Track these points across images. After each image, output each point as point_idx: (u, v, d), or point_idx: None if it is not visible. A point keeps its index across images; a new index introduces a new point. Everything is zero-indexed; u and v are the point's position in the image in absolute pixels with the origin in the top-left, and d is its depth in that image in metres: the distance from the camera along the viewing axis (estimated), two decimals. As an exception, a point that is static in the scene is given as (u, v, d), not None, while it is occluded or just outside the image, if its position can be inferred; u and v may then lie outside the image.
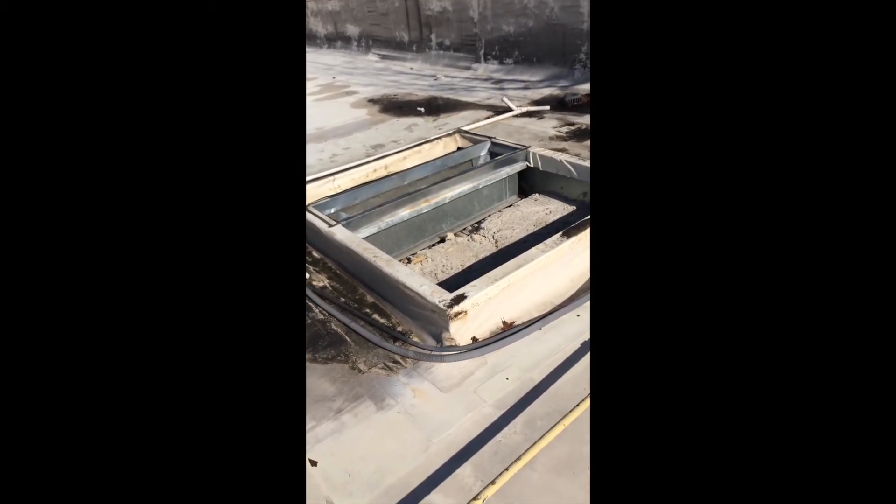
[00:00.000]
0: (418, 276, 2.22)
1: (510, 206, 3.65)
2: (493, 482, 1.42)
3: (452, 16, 7.79)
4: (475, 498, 1.37)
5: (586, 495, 1.46)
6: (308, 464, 1.65)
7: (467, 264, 2.98)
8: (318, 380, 2.01)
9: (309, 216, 2.88)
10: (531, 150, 3.61)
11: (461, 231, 3.42)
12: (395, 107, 6.39)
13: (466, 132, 4.16)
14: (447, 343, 2.06)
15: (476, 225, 3.45)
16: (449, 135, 4.16)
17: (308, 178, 3.43)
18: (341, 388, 1.96)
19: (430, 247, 3.28)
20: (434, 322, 2.10)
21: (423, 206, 3.11)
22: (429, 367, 2.01)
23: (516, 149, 3.64)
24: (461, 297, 2.03)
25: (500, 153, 3.77)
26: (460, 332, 2.06)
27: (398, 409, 1.83)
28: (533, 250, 2.30)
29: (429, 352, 2.07)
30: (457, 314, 2.00)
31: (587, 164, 3.30)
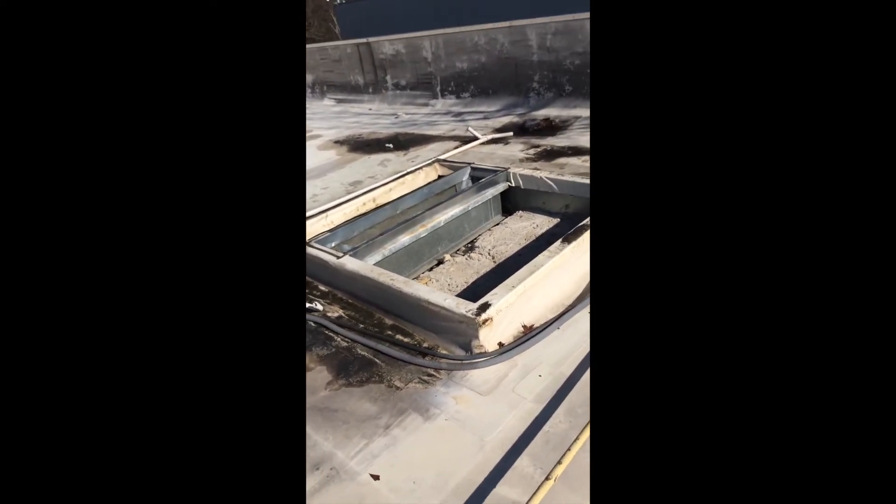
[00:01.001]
0: (440, 292, 2.34)
1: (497, 224, 3.84)
2: (559, 462, 1.52)
3: (406, 57, 8.17)
4: (548, 477, 1.47)
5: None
6: (371, 479, 1.70)
7: (471, 281, 3.12)
8: (359, 402, 2.06)
9: (313, 251, 2.95)
10: (511, 170, 3.85)
11: (457, 252, 3.57)
12: (362, 145, 6.57)
13: (445, 160, 4.38)
14: (477, 350, 2.17)
15: (470, 245, 3.61)
16: (429, 164, 4.35)
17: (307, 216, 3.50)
18: (383, 405, 2.02)
19: (430, 269, 3.40)
20: (462, 332, 2.21)
21: (421, 231, 3.25)
22: (463, 375, 2.11)
23: (497, 171, 3.87)
24: (486, 306, 2.16)
25: (481, 177, 3.99)
26: (488, 339, 2.18)
27: (444, 417, 1.91)
28: (540, 257, 2.48)
29: (460, 361, 2.17)
30: (485, 321, 2.12)
31: (565, 178, 3.56)
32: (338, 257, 2.80)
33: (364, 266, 2.68)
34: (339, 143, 6.92)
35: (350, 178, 5.18)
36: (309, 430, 1.96)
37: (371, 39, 8.60)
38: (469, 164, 4.17)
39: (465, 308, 2.16)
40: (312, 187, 5.07)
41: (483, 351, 2.16)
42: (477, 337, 2.15)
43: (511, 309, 2.25)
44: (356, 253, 2.90)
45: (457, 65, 7.48)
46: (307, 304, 2.74)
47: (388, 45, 8.38)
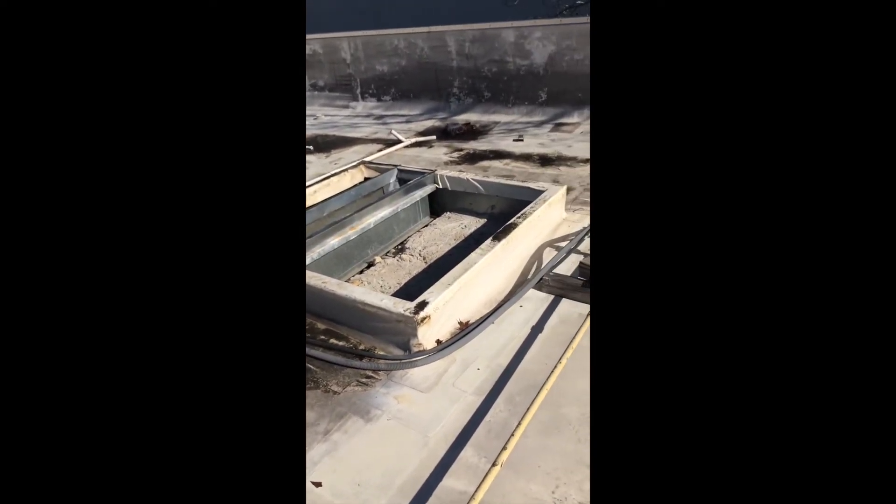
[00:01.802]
0: (376, 293, 2.31)
1: (426, 225, 3.87)
2: (504, 447, 1.57)
3: (323, 57, 7.98)
4: (494, 464, 1.51)
5: (573, 446, 1.68)
6: (312, 487, 1.63)
7: (403, 282, 3.12)
8: (294, 409, 1.97)
9: (235, 256, 2.78)
10: (438, 172, 3.90)
11: (387, 254, 3.54)
12: (280, 147, 6.30)
13: (371, 163, 4.33)
14: (416, 349, 2.17)
15: (400, 246, 3.61)
16: (354, 166, 4.29)
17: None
18: (321, 411, 1.96)
19: (360, 272, 3.35)
20: (400, 332, 2.20)
21: (350, 233, 3.19)
22: (403, 374, 2.10)
23: (424, 173, 3.90)
24: (423, 304, 2.17)
25: (408, 178, 4.00)
26: (426, 337, 2.19)
27: (387, 417, 1.89)
28: (473, 255, 2.54)
29: (399, 360, 2.15)
30: (423, 319, 2.13)
31: (491, 180, 3.68)
32: (263, 261, 2.66)
33: (293, 269, 2.57)
34: (254, 144, 6.57)
35: (269, 181, 4.96)
36: (241, 443, 1.84)
37: (286, 38, 8.29)
38: (396, 166, 4.17)
39: (403, 307, 2.16)
40: (227, 190, 4.78)
41: (422, 349, 2.17)
42: (416, 335, 2.15)
43: (448, 306, 2.28)
44: (283, 256, 2.77)
45: (377, 67, 7.44)
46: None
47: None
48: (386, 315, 2.20)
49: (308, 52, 8.11)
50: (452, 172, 3.90)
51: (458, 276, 2.36)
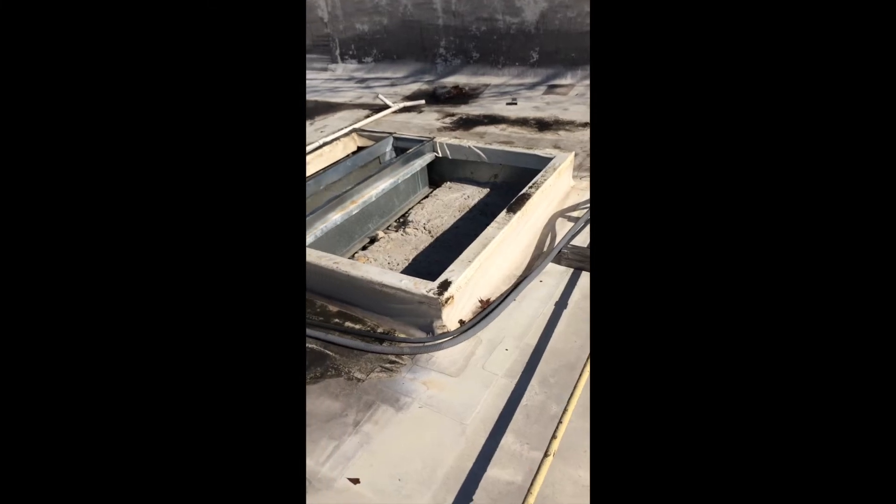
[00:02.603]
0: (393, 273, 2.18)
1: (427, 196, 3.72)
2: (554, 436, 1.51)
3: (299, 16, 7.48)
4: (546, 454, 1.45)
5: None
6: (350, 485, 1.55)
7: (411, 257, 2.99)
8: (318, 399, 1.87)
9: (232, 236, 2.59)
10: (437, 140, 3.72)
11: (389, 228, 3.40)
12: (259, 114, 5.95)
13: (363, 130, 4.11)
14: (439, 331, 2.08)
15: (402, 219, 3.46)
16: (346, 134, 4.06)
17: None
18: (347, 400, 1.86)
19: (363, 248, 3.20)
20: (422, 314, 2.09)
21: (352, 207, 3.02)
22: (429, 358, 2.01)
23: (423, 141, 3.71)
24: (447, 284, 2.06)
25: (404, 147, 3.81)
26: (450, 318, 2.09)
27: (418, 405, 1.81)
28: (490, 230, 2.42)
29: (422, 344, 2.06)
30: (447, 300, 2.03)
31: (493, 147, 3.53)
32: (265, 241, 2.49)
33: (299, 249, 2.41)
34: (230, 111, 6.19)
35: (253, 152, 4.68)
36: (264, 439, 1.74)
37: (256, -6, 7.72)
38: (391, 133, 3.96)
39: (426, 288, 2.05)
40: (208, 162, 4.49)
41: (445, 331, 2.08)
42: (440, 317, 2.05)
43: (469, 284, 2.18)
44: (285, 235, 2.61)
45: (357, 26, 7.02)
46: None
47: (276, 1, 7.58)
48: (406, 296, 2.08)
49: (281, 9, 7.59)
50: (452, 140, 3.73)
51: (478, 252, 2.25)
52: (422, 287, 2.06)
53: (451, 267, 2.17)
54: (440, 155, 3.72)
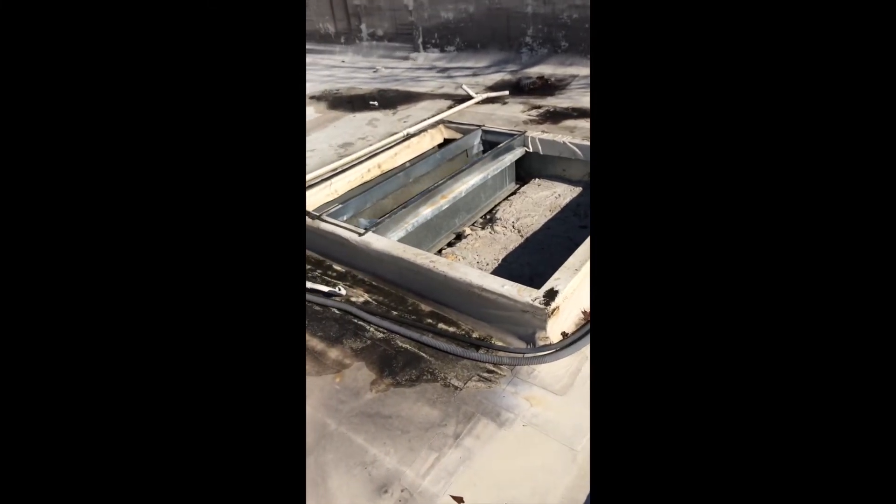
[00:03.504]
0: (494, 277, 2.07)
1: (513, 193, 3.58)
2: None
3: (384, 4, 7.50)
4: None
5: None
6: (454, 503, 1.47)
7: (500, 257, 2.88)
8: (415, 405, 1.81)
9: (326, 226, 2.59)
10: (528, 134, 3.55)
11: (475, 225, 3.29)
12: (343, 102, 6.03)
13: (451, 122, 4.01)
14: (541, 342, 1.95)
15: (488, 216, 3.34)
16: (433, 126, 3.98)
17: (308, 184, 3.10)
18: (445, 409, 1.78)
19: (449, 244, 3.12)
20: (524, 323, 1.97)
21: (442, 202, 2.94)
22: (529, 371, 1.88)
23: (513, 135, 3.56)
24: (553, 293, 1.92)
25: (494, 141, 3.68)
26: (554, 330, 1.95)
27: (521, 423, 1.69)
28: (596, 235, 2.25)
29: (521, 355, 1.94)
30: (553, 311, 1.89)
31: (590, 144, 3.31)
32: (360, 234, 2.47)
33: (395, 245, 2.36)
34: (315, 98, 6.33)
35: (338, 140, 4.72)
36: (361, 440, 1.70)
37: (343, -17, 7.81)
38: (479, 126, 3.83)
39: (531, 296, 1.92)
40: (296, 149, 4.59)
41: (548, 343, 1.94)
42: (544, 328, 1.92)
43: (574, 294, 2.03)
44: (378, 228, 2.57)
45: (441, 14, 6.92)
46: (327, 288, 2.41)
47: (362, -11, 7.64)
48: (509, 303, 1.97)
49: (367, -3, 7.65)
50: (543, 135, 3.54)
51: (585, 260, 2.09)
52: (526, 295, 1.93)
53: (557, 275, 2.03)
54: (531, 150, 3.55)
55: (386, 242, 2.41)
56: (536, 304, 1.89)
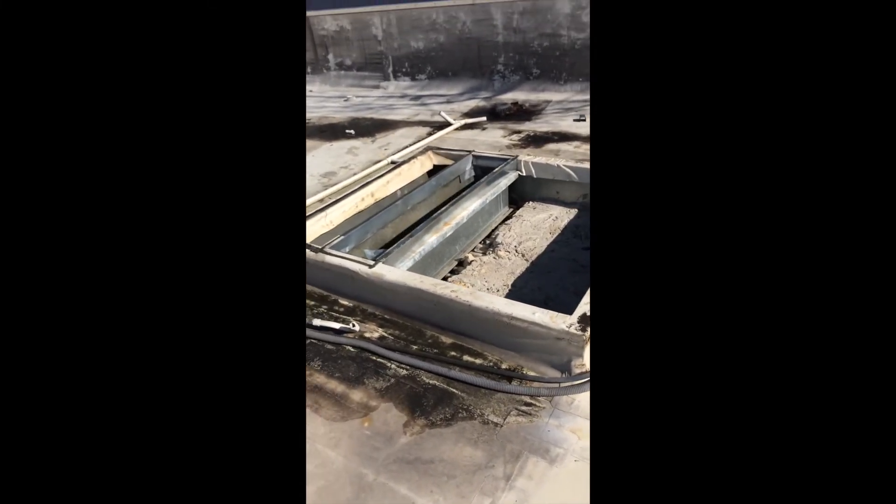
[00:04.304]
0: (523, 304, 2.01)
1: (509, 217, 3.56)
2: None
3: (352, 35, 7.52)
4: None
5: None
6: (519, 552, 1.36)
7: (509, 283, 2.83)
8: (455, 446, 1.70)
9: (332, 260, 2.47)
10: (521, 158, 3.57)
11: (476, 251, 3.24)
12: (317, 131, 5.93)
13: (440, 149, 3.99)
14: (578, 370, 1.89)
15: (488, 241, 3.30)
16: (422, 152, 3.95)
17: (300, 217, 2.97)
18: (489, 449, 1.68)
19: (452, 272, 3.05)
20: (557, 350, 1.91)
21: (446, 229, 2.88)
22: (569, 401, 1.82)
23: (506, 159, 3.57)
24: (587, 318, 1.88)
25: (485, 165, 3.68)
26: (587, 356, 1.90)
27: (573, 458, 1.61)
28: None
29: (558, 384, 1.87)
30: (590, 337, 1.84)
31: (584, 166, 3.36)
32: (370, 266, 2.36)
33: (410, 276, 2.27)
34: (287, 128, 6.18)
35: (320, 169, 4.61)
36: (405, 490, 1.57)
37: (310, 13, 7.79)
38: (470, 151, 3.83)
39: (565, 322, 1.86)
40: (277, 180, 4.44)
41: (584, 370, 1.89)
42: (580, 355, 1.86)
43: (604, 318, 1.99)
44: (387, 259, 2.47)
45: (412, 44, 7.00)
46: (338, 325, 2.28)
47: (330, 20, 7.64)
48: (542, 331, 1.90)
49: (335, 28, 7.65)
50: (538, 158, 3.57)
51: (610, 282, 2.06)
52: (560, 321, 1.88)
53: (585, 299, 1.99)
54: (524, 174, 3.57)
55: (399, 273, 2.31)
56: (573, 330, 1.83)
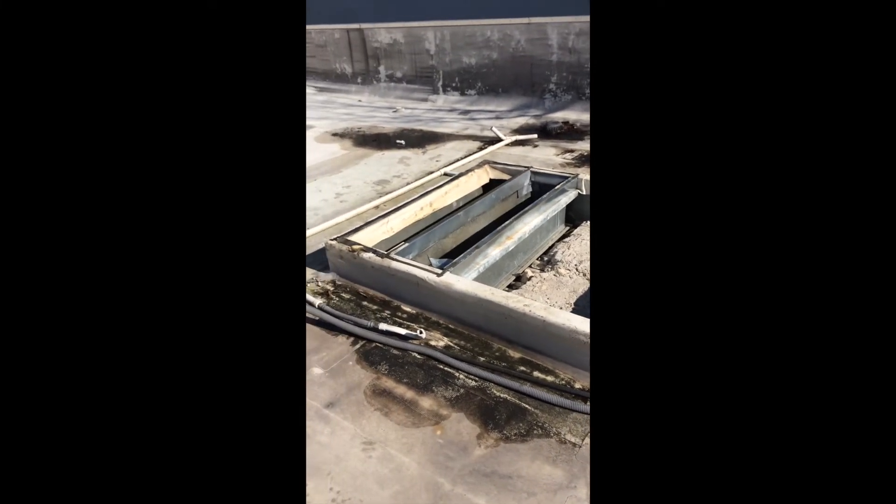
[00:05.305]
0: (601, 323, 1.97)
1: (566, 235, 3.53)
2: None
3: (405, 48, 7.68)
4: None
5: None
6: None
7: (572, 301, 2.78)
8: (533, 463, 1.66)
9: (399, 266, 2.48)
10: (582, 177, 3.55)
11: (534, 267, 3.21)
12: (368, 140, 6.04)
13: (496, 163, 4.00)
14: (658, 395, 1.83)
15: (546, 258, 3.27)
16: (479, 166, 3.96)
17: (364, 222, 3.01)
18: (569, 469, 1.63)
19: (509, 287, 3.02)
20: (637, 373, 1.86)
21: (508, 243, 2.86)
22: (649, 426, 1.76)
23: (566, 177, 3.55)
24: (671, 342, 1.83)
25: (543, 182, 3.67)
26: (669, 381, 1.84)
27: (658, 485, 1.55)
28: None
29: (636, 408, 1.81)
30: (674, 362, 1.79)
31: (647, 188, 3.31)
32: (438, 274, 2.36)
33: (480, 287, 2.25)
34: (338, 135, 6.33)
35: (373, 177, 4.68)
36: (484, 503, 1.54)
37: (364, 26, 8.01)
38: (528, 167, 3.83)
39: (648, 345, 1.81)
40: (331, 185, 4.52)
41: (664, 395, 1.83)
42: (663, 380, 1.81)
43: (684, 344, 1.93)
44: (454, 269, 2.47)
45: (463, 59, 7.10)
46: (404, 331, 2.28)
47: (384, 32, 7.83)
48: (622, 352, 1.86)
49: (388, 41, 7.83)
50: (598, 178, 3.54)
51: (691, 307, 2.01)
52: (642, 344, 1.83)
53: (667, 322, 1.94)
54: (584, 193, 3.54)
55: (468, 283, 2.30)
56: (657, 353, 1.78)
